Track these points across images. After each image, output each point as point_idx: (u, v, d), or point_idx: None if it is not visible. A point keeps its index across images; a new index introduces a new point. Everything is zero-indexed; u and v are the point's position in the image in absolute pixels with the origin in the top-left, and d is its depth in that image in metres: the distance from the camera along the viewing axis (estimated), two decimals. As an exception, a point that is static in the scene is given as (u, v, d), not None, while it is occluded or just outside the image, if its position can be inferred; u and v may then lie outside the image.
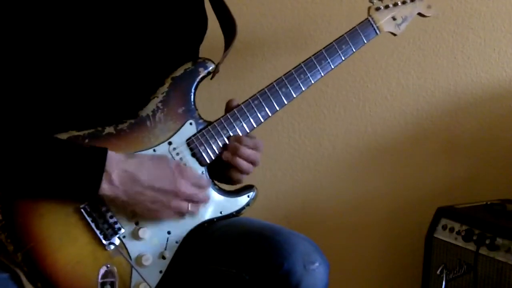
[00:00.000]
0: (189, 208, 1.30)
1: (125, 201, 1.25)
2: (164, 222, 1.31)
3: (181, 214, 1.31)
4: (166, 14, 1.40)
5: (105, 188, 1.22)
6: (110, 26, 1.32)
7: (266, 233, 1.32)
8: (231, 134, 1.38)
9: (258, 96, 1.41)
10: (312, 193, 2.10)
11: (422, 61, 2.11)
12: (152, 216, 1.29)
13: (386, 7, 1.55)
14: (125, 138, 1.30)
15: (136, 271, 1.28)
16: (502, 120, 2.21)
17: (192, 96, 1.37)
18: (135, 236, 1.29)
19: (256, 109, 1.40)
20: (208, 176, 1.37)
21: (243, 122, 1.40)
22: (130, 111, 1.32)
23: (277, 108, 1.42)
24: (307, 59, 1.45)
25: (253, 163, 1.40)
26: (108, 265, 1.18)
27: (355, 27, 1.50)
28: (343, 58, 1.48)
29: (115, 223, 1.27)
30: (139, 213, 1.28)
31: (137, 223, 1.29)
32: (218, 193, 1.38)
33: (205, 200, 1.34)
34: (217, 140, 1.38)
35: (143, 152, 1.31)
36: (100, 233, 1.26)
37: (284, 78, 1.43)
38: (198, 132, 1.36)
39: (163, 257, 1.31)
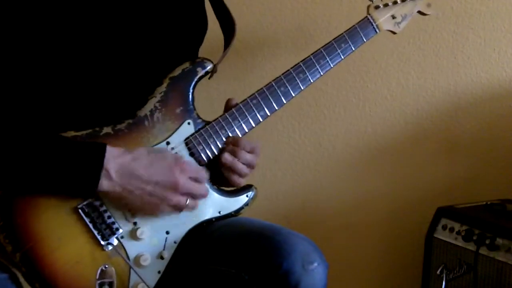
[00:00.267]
0: (188, 203, 1.29)
1: (124, 196, 1.24)
2: (162, 222, 1.30)
3: (179, 208, 1.29)
4: (166, 14, 1.40)
5: (104, 183, 1.22)
6: (110, 26, 1.32)
7: (266, 233, 1.32)
8: (230, 134, 1.38)
9: (257, 96, 1.40)
10: (312, 193, 2.10)
11: (422, 61, 2.11)
12: (150, 211, 1.28)
13: (386, 5, 1.54)
14: (123, 138, 1.30)
15: (134, 272, 1.27)
16: (502, 120, 2.21)
17: (190, 96, 1.37)
18: (133, 236, 1.29)
19: (254, 109, 1.40)
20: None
21: (241, 122, 1.39)
22: (128, 111, 1.32)
23: (276, 108, 1.42)
24: (306, 58, 1.45)
25: (251, 167, 1.40)
26: (106, 266, 1.17)
27: (354, 25, 1.50)
28: (343, 57, 1.48)
29: (113, 223, 1.27)
30: (137, 209, 1.27)
31: (135, 223, 1.29)
32: (217, 193, 1.37)
33: (205, 195, 1.33)
34: (216, 139, 1.37)
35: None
36: (98, 233, 1.26)
37: (283, 77, 1.42)
38: (196, 131, 1.36)
39: (162, 257, 1.31)
